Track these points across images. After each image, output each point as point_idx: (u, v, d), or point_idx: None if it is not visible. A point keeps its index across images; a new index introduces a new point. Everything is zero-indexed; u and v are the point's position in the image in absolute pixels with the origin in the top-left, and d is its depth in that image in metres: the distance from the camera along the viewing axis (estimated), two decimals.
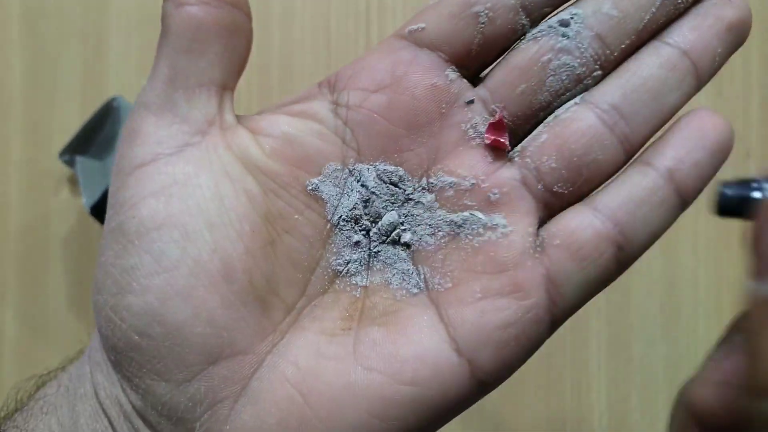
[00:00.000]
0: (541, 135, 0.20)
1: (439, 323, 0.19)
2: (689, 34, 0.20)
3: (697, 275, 0.45)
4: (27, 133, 0.43)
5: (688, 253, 0.45)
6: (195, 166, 0.19)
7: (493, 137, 0.20)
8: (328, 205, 0.21)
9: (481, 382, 0.19)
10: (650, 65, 0.20)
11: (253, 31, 0.20)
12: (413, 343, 0.19)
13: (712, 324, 0.45)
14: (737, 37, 0.20)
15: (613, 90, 0.20)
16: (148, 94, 0.19)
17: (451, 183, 0.21)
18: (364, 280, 0.21)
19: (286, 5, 0.44)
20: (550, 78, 0.20)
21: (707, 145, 0.20)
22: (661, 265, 0.45)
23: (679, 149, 0.20)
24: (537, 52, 0.20)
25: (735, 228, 0.45)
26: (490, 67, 0.21)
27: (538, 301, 0.19)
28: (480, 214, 0.20)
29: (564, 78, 0.20)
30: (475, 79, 0.21)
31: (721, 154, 0.20)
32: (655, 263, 0.45)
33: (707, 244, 0.45)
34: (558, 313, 0.20)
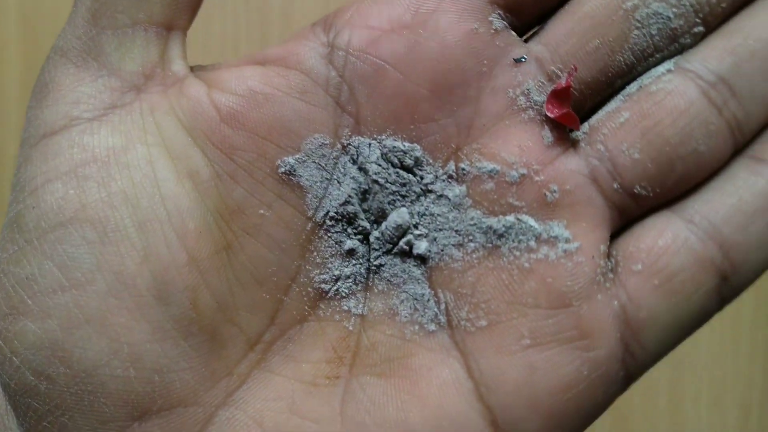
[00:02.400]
0: (620, 112, 0.15)
1: (468, 380, 0.14)
2: None
3: None
4: None
5: None
6: (123, 136, 0.14)
7: (559, 110, 0.15)
8: (309, 195, 0.15)
9: None
10: None
11: None
12: (429, 407, 0.14)
13: (714, 325, 0.45)
14: None
15: (721, 56, 0.15)
16: (67, 37, 0.15)
17: (491, 171, 0.15)
18: (360, 306, 0.15)
19: (285, 5, 0.44)
20: (636, 32, 0.15)
21: None
22: None
23: None
24: None
25: None
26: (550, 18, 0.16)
27: (610, 352, 0.14)
28: (532, 221, 0.15)
29: (654, 33, 0.15)
30: (527, 33, 0.16)
31: None
32: None
33: None
34: (634, 368, 0.15)
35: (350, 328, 0.15)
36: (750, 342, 0.46)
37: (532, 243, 0.15)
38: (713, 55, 0.15)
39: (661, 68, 0.15)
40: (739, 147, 0.15)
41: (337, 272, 0.15)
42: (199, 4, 0.16)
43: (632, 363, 0.15)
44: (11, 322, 0.14)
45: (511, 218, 0.15)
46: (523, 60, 0.15)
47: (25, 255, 0.14)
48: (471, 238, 0.15)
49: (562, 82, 0.15)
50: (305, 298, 0.15)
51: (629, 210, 0.15)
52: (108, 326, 0.13)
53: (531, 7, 0.15)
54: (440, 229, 0.15)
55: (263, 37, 0.44)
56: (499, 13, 0.15)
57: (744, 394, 0.46)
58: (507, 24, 0.15)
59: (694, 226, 0.15)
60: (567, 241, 0.15)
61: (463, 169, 0.15)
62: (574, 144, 0.15)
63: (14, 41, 0.45)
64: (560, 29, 0.15)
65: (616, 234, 0.15)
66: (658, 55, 0.15)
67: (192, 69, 0.16)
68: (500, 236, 0.15)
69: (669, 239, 0.14)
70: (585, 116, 0.16)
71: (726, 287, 0.15)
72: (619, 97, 0.15)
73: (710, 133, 0.15)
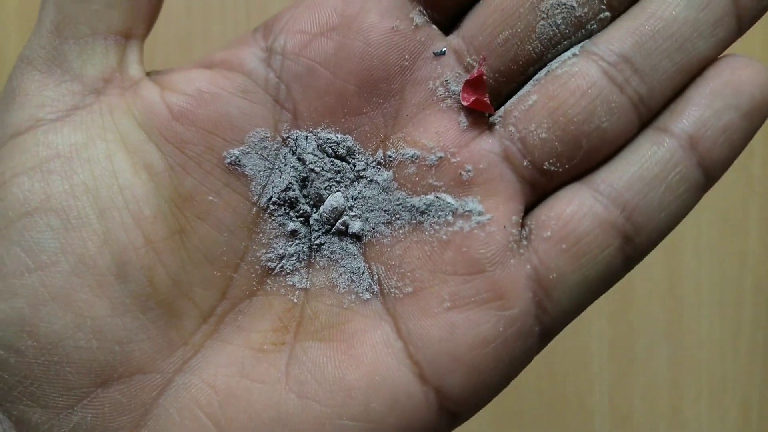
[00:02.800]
0: (529, 96, 0.16)
1: (397, 340, 0.16)
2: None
3: (699, 275, 0.45)
4: None
5: (690, 253, 0.44)
6: (84, 134, 0.15)
7: (472, 97, 0.16)
8: (254, 183, 0.16)
9: (452, 414, 0.16)
10: (674, 3, 0.16)
11: None
12: (364, 365, 0.15)
13: (714, 324, 0.45)
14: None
15: (624, 36, 0.16)
16: (33, 46, 0.16)
17: (413, 156, 0.16)
18: (304, 280, 0.17)
19: (285, 5, 0.44)
20: (542, 22, 0.16)
21: (741, 103, 0.15)
22: (663, 264, 0.44)
23: (705, 109, 0.16)
24: None
25: (738, 227, 0.45)
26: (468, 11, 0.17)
27: (523, 310, 0.15)
28: (449, 198, 0.16)
29: (560, 22, 0.16)
30: (448, 26, 0.17)
31: (759, 115, 0.16)
32: (657, 263, 0.44)
33: (710, 243, 0.44)
34: (550, 323, 0.16)
35: (295, 300, 0.17)
36: (750, 342, 0.46)
37: (450, 218, 0.16)
38: (617, 36, 0.16)
39: (568, 53, 0.16)
40: (645, 120, 0.16)
41: (281, 251, 0.17)
42: (156, 16, 0.17)
43: (547, 319, 0.16)
44: None
45: (431, 197, 0.16)
46: (443, 53, 0.16)
47: None
48: (398, 216, 0.17)
49: (475, 72, 0.16)
50: (253, 275, 0.16)
51: (541, 184, 0.16)
52: (72, 302, 0.15)
53: (449, 6, 0.17)
54: (371, 210, 0.17)
55: None
56: (420, 9, 0.16)
57: (744, 394, 0.46)
58: (428, 19, 0.16)
59: (599, 194, 0.16)
60: (480, 214, 0.16)
61: (390, 156, 0.17)
62: (490, 127, 0.17)
63: (15, 41, 0.45)
64: (475, 22, 0.16)
65: (532, 206, 0.17)
66: (566, 42, 0.16)
67: (148, 74, 0.17)
68: (422, 213, 0.16)
69: (575, 207, 0.16)
70: (501, 102, 0.17)
71: (630, 247, 0.16)
72: (531, 82, 0.17)
73: (612, 110, 0.16)
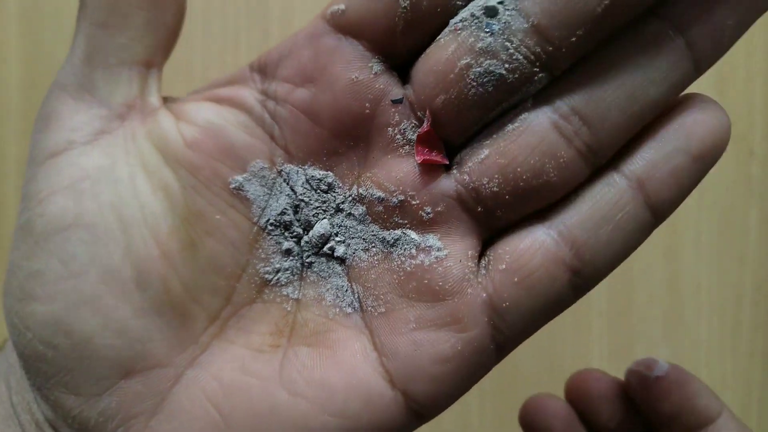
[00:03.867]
0: (482, 149, 0.17)
1: (373, 351, 0.18)
2: (687, 8, 0.15)
3: (699, 277, 0.44)
4: (25, 133, 0.43)
5: (690, 255, 0.44)
6: (110, 157, 0.17)
7: (424, 155, 0.17)
8: (254, 206, 0.18)
9: (418, 414, 0.17)
10: (624, 51, 0.16)
11: None
12: (344, 370, 0.17)
13: (714, 325, 0.45)
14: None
15: (573, 88, 0.16)
16: (66, 74, 0.18)
17: (379, 198, 0.18)
18: (297, 292, 0.19)
19: (285, 5, 0.44)
20: (472, 90, 0.16)
21: (692, 147, 0.16)
22: (662, 267, 0.44)
23: (655, 152, 0.16)
24: (453, 54, 0.16)
25: (737, 228, 0.45)
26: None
27: (479, 332, 0.17)
28: (413, 234, 0.18)
29: (491, 89, 0.16)
30: (407, 70, 0.18)
31: (709, 159, 0.16)
32: (657, 265, 0.44)
33: (709, 244, 0.44)
34: (504, 341, 0.17)
35: (288, 308, 0.19)
36: (749, 343, 0.46)
37: (413, 251, 0.18)
38: (567, 89, 0.16)
39: (520, 105, 0.17)
40: (597, 167, 0.17)
41: (278, 266, 0.19)
42: (173, 47, 0.19)
43: (502, 338, 0.17)
44: (24, 305, 0.17)
45: (398, 232, 0.18)
46: (401, 101, 0.17)
47: (34, 253, 0.17)
48: (373, 245, 0.18)
49: (424, 127, 0.17)
50: (253, 285, 0.18)
51: (496, 225, 0.18)
52: (100, 306, 0.17)
53: (403, 50, 0.17)
54: (352, 237, 0.18)
55: (263, 38, 0.44)
56: (378, 58, 0.17)
57: (743, 394, 0.46)
58: (386, 66, 0.17)
59: (552, 231, 0.17)
60: (439, 249, 0.17)
61: (361, 194, 0.18)
62: (447, 169, 0.17)
63: (15, 41, 0.45)
64: (418, 77, 0.17)
65: (493, 238, 0.18)
66: (501, 106, 0.17)
67: (164, 100, 0.19)
68: (391, 245, 0.18)
69: (528, 243, 0.17)
70: (459, 147, 0.18)
71: (579, 279, 0.17)
72: (484, 132, 0.17)
73: (561, 165, 0.16)
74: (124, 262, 0.17)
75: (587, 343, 0.43)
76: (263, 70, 0.18)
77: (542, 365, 0.43)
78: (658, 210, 0.17)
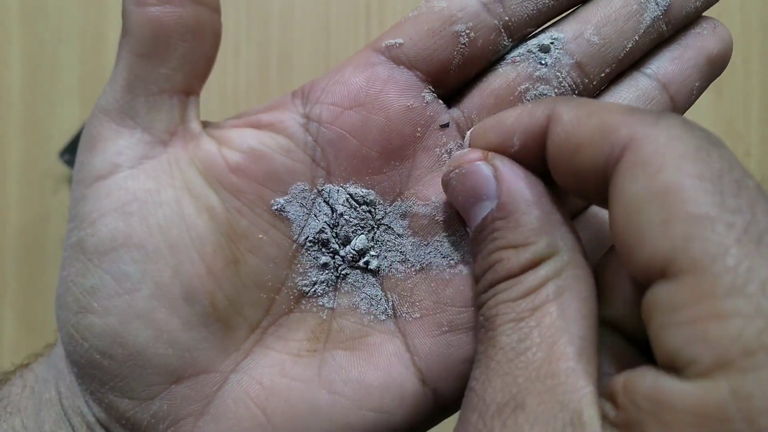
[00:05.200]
0: None
1: (406, 352, 0.19)
2: (669, 66, 0.19)
3: None
4: (27, 133, 0.44)
5: None
6: (156, 181, 0.18)
7: None
8: (294, 225, 0.20)
9: (444, 408, 0.19)
10: (628, 98, 0.19)
11: (221, 25, 0.19)
12: (380, 370, 0.19)
13: None
14: (716, 69, 0.20)
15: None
16: (108, 99, 0.19)
17: (426, 213, 0.20)
18: (332, 302, 0.20)
19: (285, 5, 0.44)
20: None
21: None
22: None
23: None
24: (514, 80, 0.19)
25: None
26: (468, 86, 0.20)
27: None
28: (452, 246, 0.20)
29: None
30: (452, 97, 0.20)
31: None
32: None
33: None
34: None
35: (324, 317, 0.20)
36: None
37: (453, 261, 0.19)
38: None
39: None
40: None
41: (314, 279, 0.20)
42: (209, 74, 0.20)
43: None
44: (81, 318, 0.18)
45: (439, 243, 0.20)
46: (447, 125, 0.20)
47: (88, 270, 0.18)
48: (410, 257, 0.20)
49: None
50: (291, 297, 0.20)
51: None
52: (152, 320, 0.18)
53: (453, 81, 0.20)
54: (389, 251, 0.20)
55: (263, 38, 0.44)
56: (429, 88, 0.20)
57: None
58: (436, 95, 0.20)
59: None
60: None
61: (405, 209, 0.20)
62: None
63: (16, 42, 0.45)
64: (473, 101, 0.20)
65: None
66: None
67: (204, 125, 0.20)
68: (432, 256, 0.20)
69: None
70: None
71: None
72: None
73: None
74: (173, 280, 0.18)
75: None
76: (306, 96, 0.20)
77: None
78: (678, 105, 0.20)
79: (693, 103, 0.20)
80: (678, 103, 0.20)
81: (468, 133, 0.19)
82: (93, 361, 0.18)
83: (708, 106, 0.45)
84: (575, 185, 0.16)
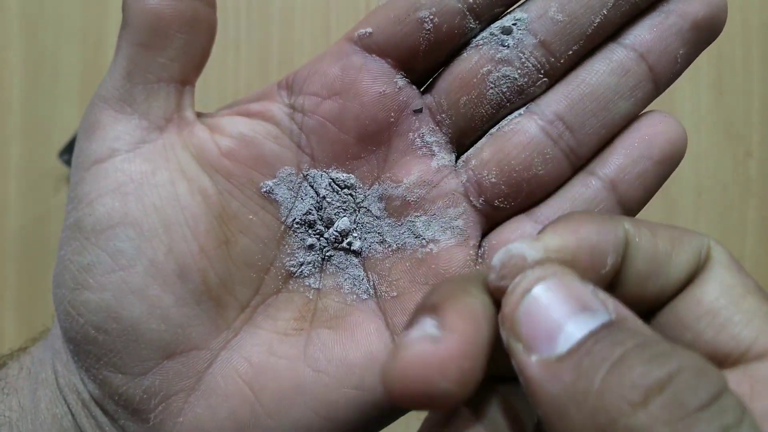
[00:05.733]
0: (483, 148, 0.20)
1: (386, 330, 0.20)
2: (647, 35, 0.19)
3: None
4: (27, 133, 0.44)
5: None
6: (152, 164, 0.19)
7: None
8: (282, 207, 0.21)
9: None
10: (600, 71, 0.19)
11: (216, 20, 0.20)
12: (361, 348, 0.19)
13: None
14: (705, 35, 0.19)
15: (559, 99, 0.20)
16: (107, 87, 0.19)
17: (398, 194, 0.21)
18: (317, 282, 0.21)
19: (285, 5, 0.44)
20: (491, 90, 0.20)
21: (654, 154, 0.19)
22: None
23: (624, 158, 0.19)
24: (476, 63, 0.20)
25: (735, 228, 0.45)
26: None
27: None
28: (425, 226, 0.20)
29: (505, 90, 0.20)
30: (426, 83, 0.21)
31: (670, 164, 0.19)
32: None
33: None
34: None
35: (310, 297, 0.21)
36: None
37: (424, 241, 0.20)
38: (553, 99, 0.20)
39: (516, 113, 0.20)
40: (577, 168, 0.20)
41: (301, 259, 0.21)
42: (204, 66, 0.20)
43: None
44: (78, 295, 0.18)
45: (412, 224, 0.21)
46: (420, 110, 0.20)
47: (85, 248, 0.19)
48: (388, 237, 0.21)
49: None
50: (279, 277, 0.21)
51: (494, 216, 0.21)
52: (146, 296, 0.18)
53: (423, 66, 0.20)
54: (368, 232, 0.21)
55: (263, 38, 0.44)
56: (401, 74, 0.20)
57: None
58: (408, 81, 0.20)
59: (537, 224, 0.20)
60: (446, 240, 0.20)
61: (381, 192, 0.21)
62: (455, 170, 0.21)
63: (16, 41, 0.45)
64: (441, 86, 0.20)
65: (489, 230, 0.21)
66: (510, 105, 0.20)
67: (198, 115, 0.21)
68: (405, 237, 0.21)
69: (517, 234, 0.20)
70: (466, 148, 0.21)
71: None
72: (485, 136, 0.21)
73: (547, 161, 0.20)
74: (168, 258, 0.19)
75: None
76: (290, 86, 0.21)
77: None
78: (627, 207, 0.20)
79: (681, 72, 0.20)
80: (658, 73, 0.19)
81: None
82: (88, 337, 0.19)
83: (708, 106, 0.45)
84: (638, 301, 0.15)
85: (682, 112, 0.44)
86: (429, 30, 0.19)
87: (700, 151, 0.45)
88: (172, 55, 0.19)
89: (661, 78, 0.19)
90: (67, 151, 0.42)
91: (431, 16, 0.19)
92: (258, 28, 0.44)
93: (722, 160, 0.45)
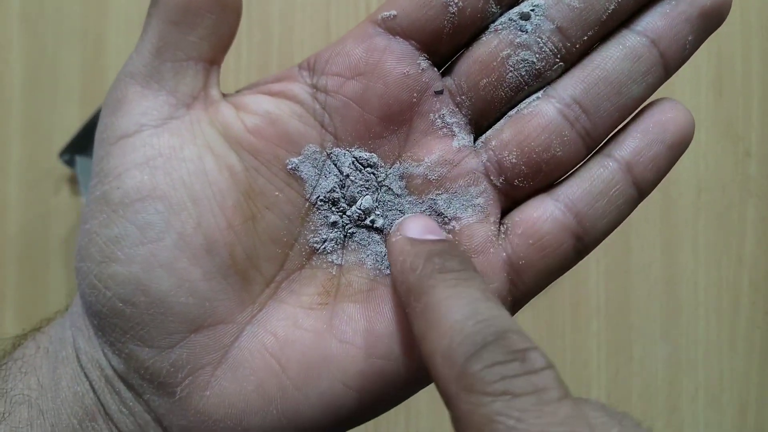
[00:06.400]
0: (503, 129, 0.21)
1: None
2: (658, 21, 0.20)
3: (697, 276, 0.45)
4: (27, 133, 0.44)
5: (688, 254, 0.45)
6: (180, 139, 0.20)
7: None
8: (307, 184, 0.21)
9: None
10: (614, 57, 0.20)
11: (242, 4, 0.21)
12: (387, 319, 0.20)
13: (711, 324, 0.45)
14: (712, 22, 0.20)
15: (575, 83, 0.21)
16: (135, 64, 0.20)
17: (419, 173, 0.21)
18: (340, 258, 0.22)
19: (285, 5, 0.44)
20: (510, 74, 0.21)
21: (666, 138, 0.20)
22: (661, 265, 0.45)
23: (639, 141, 0.20)
24: (496, 47, 0.21)
25: (735, 228, 0.45)
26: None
27: (499, 286, 0.20)
28: (446, 203, 0.21)
29: (523, 73, 0.21)
30: (447, 65, 0.22)
31: (680, 148, 0.21)
32: (655, 264, 0.45)
33: (707, 244, 0.45)
34: (519, 296, 0.21)
35: (333, 272, 0.21)
36: (747, 341, 0.46)
37: (446, 218, 0.21)
38: (570, 84, 0.21)
39: (533, 96, 0.21)
40: (591, 149, 0.21)
41: (324, 236, 0.22)
42: (230, 46, 0.21)
43: (517, 293, 0.21)
44: (105, 267, 0.19)
45: (433, 202, 0.21)
46: (441, 92, 0.21)
47: (112, 221, 0.19)
48: (410, 214, 0.22)
49: None
50: (303, 253, 0.21)
51: (514, 195, 0.21)
52: (174, 269, 0.19)
53: (446, 49, 0.21)
54: (390, 210, 0.22)
55: (264, 38, 0.44)
56: (424, 56, 0.21)
57: (741, 393, 0.46)
58: (431, 63, 0.21)
59: (559, 203, 0.21)
60: (468, 216, 0.21)
61: (402, 171, 0.22)
62: (475, 150, 0.22)
63: (17, 41, 0.45)
64: (462, 69, 0.21)
65: (510, 208, 0.22)
66: (528, 88, 0.21)
67: (223, 95, 0.21)
68: (427, 214, 0.21)
69: (540, 212, 0.21)
70: (485, 129, 0.22)
71: (580, 244, 0.21)
72: (505, 117, 0.21)
73: (565, 143, 0.21)
74: (196, 232, 0.19)
75: (585, 340, 0.44)
76: (312, 67, 0.21)
77: None
78: (641, 188, 0.21)
79: (688, 58, 0.21)
80: (668, 58, 0.20)
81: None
82: (115, 309, 0.19)
83: (708, 106, 0.45)
84: None
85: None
86: (453, 13, 0.20)
87: (700, 151, 0.45)
88: (202, 34, 0.20)
89: (670, 63, 0.20)
90: (68, 151, 0.42)
91: (456, 0, 0.20)
92: (258, 28, 0.44)
93: (722, 160, 0.45)
